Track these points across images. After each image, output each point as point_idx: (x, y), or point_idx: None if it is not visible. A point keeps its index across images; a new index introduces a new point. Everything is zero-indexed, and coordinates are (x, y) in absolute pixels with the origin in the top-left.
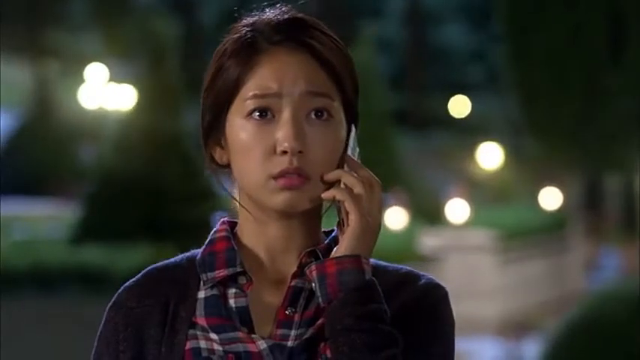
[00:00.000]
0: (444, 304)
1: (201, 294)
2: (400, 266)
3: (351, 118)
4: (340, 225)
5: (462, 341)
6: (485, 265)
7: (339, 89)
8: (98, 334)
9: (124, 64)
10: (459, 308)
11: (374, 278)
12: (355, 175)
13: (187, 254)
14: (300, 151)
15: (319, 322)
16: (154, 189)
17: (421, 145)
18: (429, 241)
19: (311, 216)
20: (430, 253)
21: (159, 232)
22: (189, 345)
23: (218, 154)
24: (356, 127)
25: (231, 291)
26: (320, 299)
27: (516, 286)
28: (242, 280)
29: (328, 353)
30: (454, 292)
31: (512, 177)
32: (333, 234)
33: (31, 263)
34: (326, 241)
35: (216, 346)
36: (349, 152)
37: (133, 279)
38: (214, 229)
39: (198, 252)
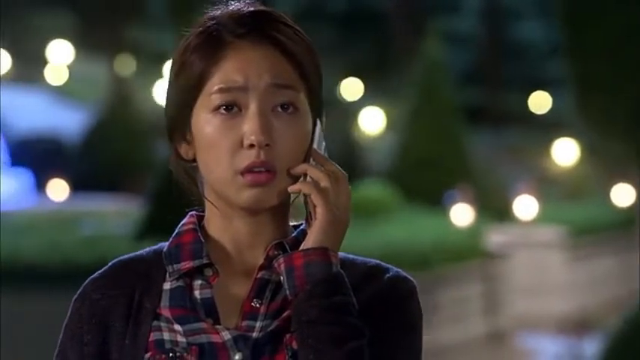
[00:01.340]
0: (411, 298)
1: (167, 285)
2: (369, 259)
3: (316, 110)
4: (308, 218)
5: (527, 337)
6: (554, 261)
7: (304, 81)
8: (64, 325)
9: None
10: (527, 305)
11: (342, 271)
12: (321, 168)
13: (155, 247)
14: (267, 144)
15: (285, 314)
16: None
17: (497, 142)
18: (496, 237)
19: (279, 210)
20: (497, 250)
21: None
22: (152, 337)
23: (184, 149)
24: (321, 120)
25: (197, 282)
26: (287, 291)
27: (585, 283)
28: (208, 272)
29: (294, 345)
30: (522, 289)
31: (587, 173)
32: (301, 227)
33: (96, 259)
34: (294, 234)
35: (179, 338)
36: (315, 145)
37: (99, 271)
38: (182, 222)
39: (165, 245)
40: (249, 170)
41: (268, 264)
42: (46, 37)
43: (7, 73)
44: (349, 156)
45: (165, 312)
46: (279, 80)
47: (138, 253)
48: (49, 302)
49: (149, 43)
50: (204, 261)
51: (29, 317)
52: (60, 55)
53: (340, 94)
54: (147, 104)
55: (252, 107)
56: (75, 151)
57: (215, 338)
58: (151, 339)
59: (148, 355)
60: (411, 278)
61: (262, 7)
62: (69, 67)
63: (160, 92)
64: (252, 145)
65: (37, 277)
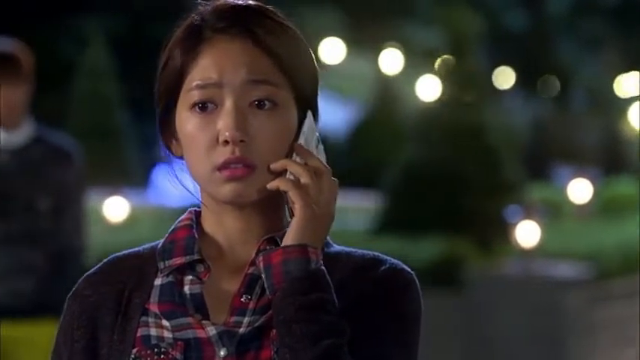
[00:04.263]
0: (408, 290)
1: (158, 281)
2: (368, 252)
3: (304, 105)
4: (290, 214)
5: None
6: None
7: (287, 76)
8: (59, 324)
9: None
10: None
11: (322, 267)
12: (302, 163)
13: (152, 243)
14: (242, 140)
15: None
16: (455, 181)
17: None
18: None
19: (269, 205)
20: None
21: (455, 225)
22: (140, 332)
23: (174, 146)
24: (314, 115)
25: (187, 278)
26: (267, 290)
27: None
28: (200, 267)
29: None
30: None
31: None
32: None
33: None
34: (286, 230)
35: (166, 334)
36: (301, 140)
37: (93, 268)
38: (179, 218)
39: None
40: (225, 166)
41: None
42: (318, 35)
43: None
44: (613, 151)
45: (154, 307)
46: (254, 76)
47: (135, 249)
48: None
49: (416, 39)
50: (196, 257)
51: None
52: (331, 54)
53: (613, 90)
54: (411, 102)
55: (228, 103)
56: (340, 148)
57: (200, 334)
58: (138, 334)
59: (134, 350)
60: (410, 271)
61: (249, 1)
62: (339, 65)
63: (423, 90)
64: (227, 142)
65: None
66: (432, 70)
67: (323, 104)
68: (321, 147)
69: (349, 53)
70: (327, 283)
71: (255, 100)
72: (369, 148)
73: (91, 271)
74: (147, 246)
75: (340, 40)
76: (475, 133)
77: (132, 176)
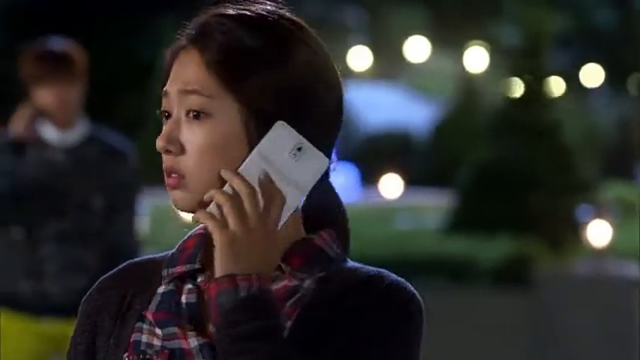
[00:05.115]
0: (405, 307)
1: (161, 289)
2: (374, 269)
3: (267, 117)
4: None
5: None
6: None
7: (230, 89)
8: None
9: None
10: None
11: (258, 292)
12: (221, 188)
13: (173, 250)
14: (168, 150)
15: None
16: (527, 180)
17: None
18: None
19: None
20: None
21: (526, 224)
22: (133, 337)
23: None
24: (301, 126)
25: (187, 287)
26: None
27: None
28: (201, 277)
29: None
30: None
31: None
32: (308, 237)
33: (401, 253)
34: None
35: (155, 341)
36: (265, 153)
37: (111, 271)
38: (198, 226)
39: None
40: (166, 174)
41: None
42: (404, 33)
43: (367, 70)
44: None
45: (149, 315)
46: (185, 86)
47: (153, 255)
48: None
49: (502, 38)
50: (196, 266)
51: None
52: (416, 52)
53: None
54: (494, 101)
55: (174, 113)
56: (421, 147)
57: (184, 344)
58: (131, 339)
59: (125, 355)
60: (412, 290)
61: (216, 11)
62: (424, 63)
63: (508, 88)
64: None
65: None
66: (512, 69)
67: (405, 102)
68: (303, 157)
69: (434, 51)
70: (265, 309)
71: (189, 111)
72: (450, 146)
73: (106, 274)
74: (166, 253)
75: (425, 38)
76: (549, 132)
77: None
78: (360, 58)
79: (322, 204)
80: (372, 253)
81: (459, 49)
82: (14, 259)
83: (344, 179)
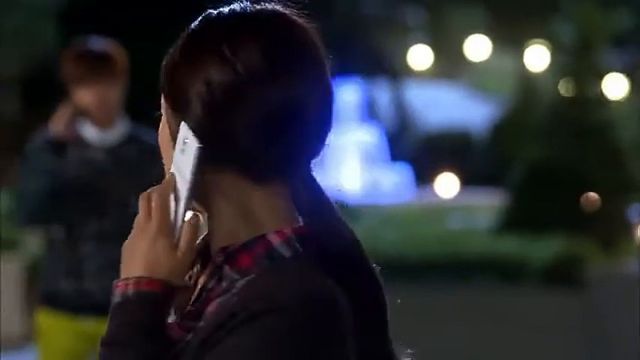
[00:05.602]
0: (249, 324)
1: None
2: (264, 284)
3: (180, 117)
4: None
5: None
6: None
7: (163, 91)
8: None
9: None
10: None
11: (119, 299)
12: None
13: None
14: None
15: (200, 324)
16: (578, 179)
17: None
18: None
19: (214, 213)
20: None
21: (577, 224)
22: None
23: None
24: (196, 128)
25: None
26: None
27: None
28: (196, 268)
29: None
30: None
31: None
32: (262, 234)
33: (450, 253)
34: (248, 240)
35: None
36: (176, 156)
37: None
38: None
39: None
40: None
41: (212, 268)
42: (464, 32)
43: (427, 70)
44: None
45: None
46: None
47: None
48: (406, 295)
49: (562, 36)
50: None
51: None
52: (476, 51)
53: None
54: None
55: None
56: (480, 146)
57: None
58: None
59: None
60: (269, 307)
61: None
62: (484, 62)
63: (563, 87)
64: None
65: (394, 270)
66: (568, 67)
67: (465, 101)
68: (187, 149)
69: (494, 50)
70: (118, 316)
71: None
72: (508, 145)
73: None
74: None
75: (485, 37)
76: (602, 131)
77: None
78: (420, 57)
79: (296, 199)
80: (424, 253)
81: (519, 47)
82: (55, 258)
83: (398, 179)
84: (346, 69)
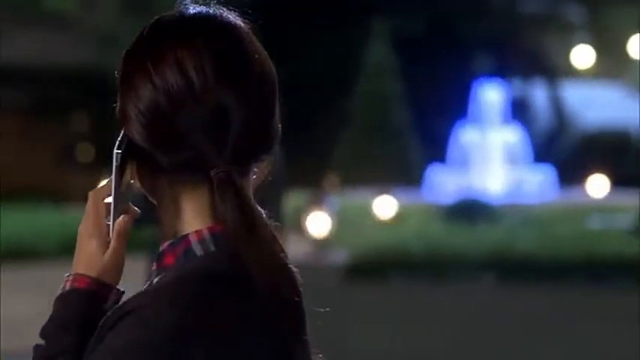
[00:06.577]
0: (119, 323)
1: None
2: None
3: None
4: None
5: None
6: None
7: None
8: None
9: None
10: None
11: (57, 296)
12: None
13: None
14: None
15: None
16: None
17: None
18: None
19: (166, 214)
20: None
21: None
22: None
23: None
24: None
25: None
26: None
27: None
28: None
29: None
30: None
31: None
32: (185, 234)
33: (587, 252)
34: (181, 235)
35: None
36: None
37: None
38: None
39: None
40: None
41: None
42: (626, 31)
43: (589, 69)
44: None
45: None
46: None
47: None
48: (538, 294)
49: None
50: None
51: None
52: (638, 50)
53: None
54: None
55: None
56: (638, 147)
57: None
58: None
59: None
60: (129, 310)
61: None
62: None
63: None
64: None
65: (527, 269)
66: None
67: (626, 101)
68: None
69: None
70: (54, 313)
71: None
72: None
73: None
74: None
75: None
76: None
77: (409, 173)
78: (582, 56)
79: (220, 203)
80: (559, 252)
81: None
82: (145, 259)
83: (542, 178)
84: (502, 68)
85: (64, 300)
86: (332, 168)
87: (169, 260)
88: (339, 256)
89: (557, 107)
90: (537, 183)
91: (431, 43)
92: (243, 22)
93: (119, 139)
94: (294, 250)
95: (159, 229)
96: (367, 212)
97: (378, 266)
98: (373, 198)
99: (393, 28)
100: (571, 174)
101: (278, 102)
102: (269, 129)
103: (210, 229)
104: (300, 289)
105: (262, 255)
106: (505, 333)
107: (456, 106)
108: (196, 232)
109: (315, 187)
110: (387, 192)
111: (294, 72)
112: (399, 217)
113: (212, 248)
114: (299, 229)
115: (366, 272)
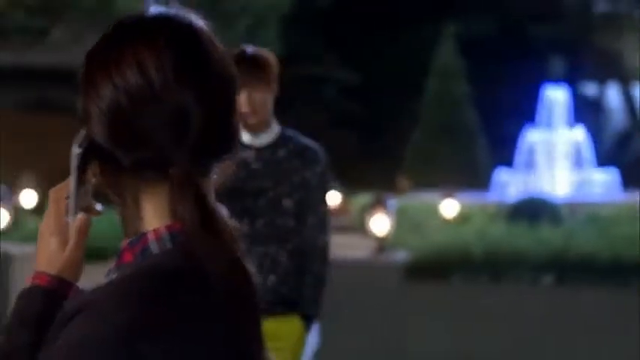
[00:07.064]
0: (72, 321)
1: None
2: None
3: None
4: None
5: None
6: None
7: None
8: None
9: None
10: None
11: (20, 293)
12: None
13: None
14: None
15: None
16: None
17: None
18: None
19: (127, 212)
20: None
21: None
22: None
23: None
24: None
25: None
26: None
27: None
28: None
29: None
30: None
31: None
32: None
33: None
34: (142, 232)
35: None
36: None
37: None
38: None
39: None
40: None
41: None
42: None
43: None
44: None
45: None
46: None
47: None
48: (598, 295)
49: None
50: None
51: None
52: None
53: None
54: None
55: None
56: None
57: None
58: None
59: None
60: (95, 304)
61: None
62: None
63: None
64: None
65: (584, 269)
66: None
67: None
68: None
69: None
70: (14, 309)
71: None
72: None
73: None
74: None
75: None
76: None
77: (476, 175)
78: None
79: (179, 198)
80: (616, 253)
81: None
82: None
83: (607, 180)
84: (574, 70)
85: (24, 297)
86: (401, 170)
87: (127, 258)
88: (401, 256)
89: (630, 108)
90: (603, 184)
91: (501, 44)
92: (205, 24)
93: (80, 138)
94: (358, 249)
95: (121, 228)
96: (432, 213)
97: (438, 265)
98: (440, 199)
99: (464, 29)
100: (638, 176)
101: (238, 102)
102: (229, 128)
103: (168, 227)
104: (255, 287)
105: (219, 252)
106: (564, 334)
107: (525, 108)
108: (155, 230)
109: (384, 190)
110: (453, 193)
111: (365, 75)
112: (462, 218)
113: (169, 246)
114: (363, 229)
115: (426, 271)
